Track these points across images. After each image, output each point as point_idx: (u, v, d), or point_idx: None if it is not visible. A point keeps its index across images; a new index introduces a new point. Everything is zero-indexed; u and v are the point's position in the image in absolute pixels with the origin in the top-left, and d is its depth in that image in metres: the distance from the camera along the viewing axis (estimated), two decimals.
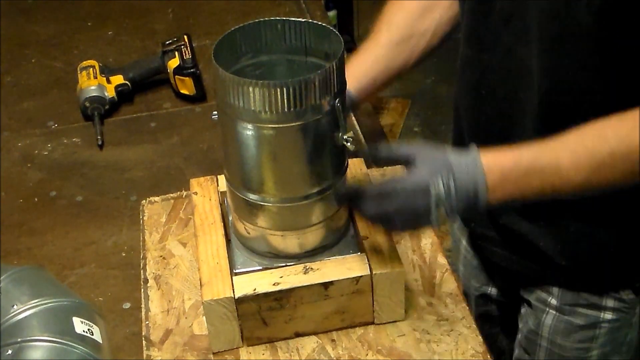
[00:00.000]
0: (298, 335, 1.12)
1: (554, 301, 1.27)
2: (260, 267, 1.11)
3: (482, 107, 1.18)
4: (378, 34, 1.30)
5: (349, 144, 1.03)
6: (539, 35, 1.06)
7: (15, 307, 0.97)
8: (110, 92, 1.78)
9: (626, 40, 1.01)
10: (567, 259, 1.22)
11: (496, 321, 1.44)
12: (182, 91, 1.81)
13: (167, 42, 1.83)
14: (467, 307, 1.16)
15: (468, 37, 1.18)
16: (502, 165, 1.00)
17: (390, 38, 1.28)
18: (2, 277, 1.00)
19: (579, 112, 1.07)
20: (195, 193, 1.23)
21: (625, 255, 1.22)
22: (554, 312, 1.27)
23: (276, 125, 0.99)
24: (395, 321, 1.13)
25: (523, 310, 1.36)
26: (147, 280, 1.23)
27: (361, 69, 1.26)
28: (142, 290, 1.22)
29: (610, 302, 1.24)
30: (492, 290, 1.41)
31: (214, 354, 1.11)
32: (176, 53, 1.80)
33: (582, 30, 1.02)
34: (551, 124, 1.08)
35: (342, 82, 1.02)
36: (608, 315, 1.25)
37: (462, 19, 1.21)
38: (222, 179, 1.23)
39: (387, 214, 1.02)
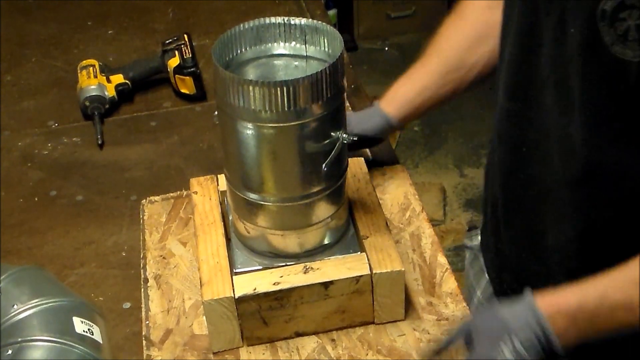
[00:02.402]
0: (298, 335, 1.12)
1: None
2: (260, 267, 1.11)
3: (522, 165, 1.09)
4: (428, 60, 1.28)
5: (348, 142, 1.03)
6: (581, 104, 0.96)
7: (15, 307, 0.96)
8: (110, 92, 1.77)
9: None
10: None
11: None
12: (182, 90, 1.81)
13: (167, 42, 1.83)
14: (467, 307, 1.16)
15: (511, 89, 1.07)
16: (566, 311, 0.94)
17: (440, 67, 1.26)
18: (2, 277, 0.99)
19: (620, 185, 0.98)
20: (195, 192, 1.23)
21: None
22: None
23: (276, 125, 0.99)
24: (395, 321, 1.13)
25: None
26: (147, 280, 1.23)
27: (407, 97, 1.27)
28: (142, 290, 1.22)
29: None
30: None
31: (214, 353, 1.11)
32: (176, 52, 1.79)
33: (628, 100, 0.91)
34: (589, 195, 1.01)
35: (342, 81, 1.02)
36: None
37: (500, 65, 1.10)
38: (222, 178, 1.23)
39: None
